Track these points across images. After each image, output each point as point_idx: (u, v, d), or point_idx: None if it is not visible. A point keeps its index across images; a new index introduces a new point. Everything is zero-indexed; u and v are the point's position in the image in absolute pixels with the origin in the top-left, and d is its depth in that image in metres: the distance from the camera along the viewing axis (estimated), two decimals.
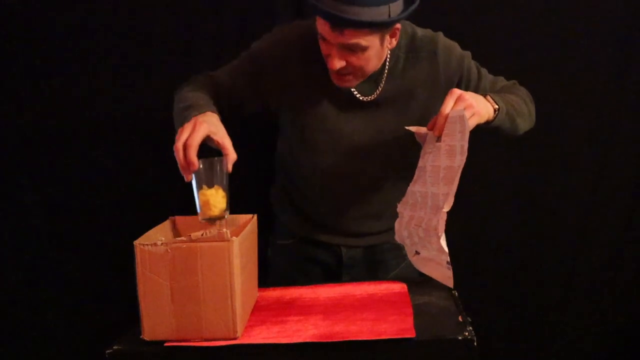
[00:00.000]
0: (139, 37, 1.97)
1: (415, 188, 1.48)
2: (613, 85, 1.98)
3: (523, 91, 1.66)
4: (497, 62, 1.75)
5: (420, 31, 1.58)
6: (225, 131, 1.35)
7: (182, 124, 1.35)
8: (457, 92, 1.40)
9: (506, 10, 1.93)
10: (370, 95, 1.56)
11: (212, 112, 1.39)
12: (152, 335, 1.21)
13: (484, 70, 1.64)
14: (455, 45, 1.60)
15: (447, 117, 1.38)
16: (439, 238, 1.38)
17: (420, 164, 1.48)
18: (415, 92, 1.56)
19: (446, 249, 1.39)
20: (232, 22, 1.95)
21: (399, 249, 1.70)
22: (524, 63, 1.92)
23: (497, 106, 1.46)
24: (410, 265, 1.56)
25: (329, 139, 1.58)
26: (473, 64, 1.62)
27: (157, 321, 1.20)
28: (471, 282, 1.55)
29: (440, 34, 1.60)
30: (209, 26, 1.96)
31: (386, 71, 1.55)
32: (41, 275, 2.10)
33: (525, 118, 1.60)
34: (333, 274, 1.70)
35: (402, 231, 1.52)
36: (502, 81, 1.67)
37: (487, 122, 1.45)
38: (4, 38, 1.97)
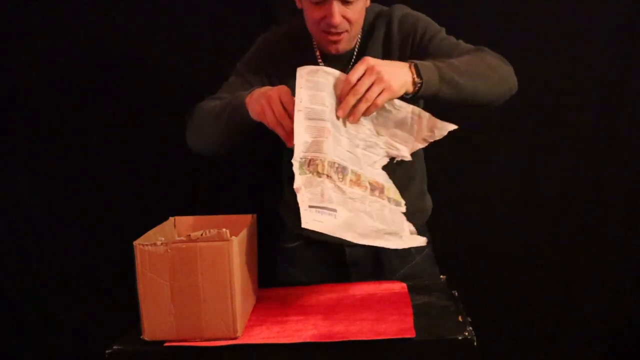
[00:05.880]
0: (140, 35, 1.97)
1: None
2: (614, 83, 1.98)
3: (488, 53, 1.50)
4: None
5: (378, 6, 1.61)
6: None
7: (233, 112, 1.43)
8: (369, 61, 1.31)
9: (505, 10, 1.94)
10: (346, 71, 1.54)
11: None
12: (152, 335, 1.21)
13: (444, 36, 1.54)
14: (416, 14, 1.58)
15: (350, 83, 1.30)
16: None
17: None
18: (375, 56, 1.50)
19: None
20: (232, 30, 1.96)
21: (405, 249, 1.68)
22: (524, 63, 1.91)
23: (419, 79, 1.33)
24: (416, 267, 1.56)
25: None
26: (433, 28, 1.55)
27: (157, 321, 1.20)
28: (471, 282, 1.55)
29: (406, 7, 1.60)
30: (207, 26, 1.97)
31: (356, 50, 1.58)
32: (41, 275, 2.10)
33: (488, 80, 1.44)
34: (341, 275, 1.68)
35: None
36: (465, 46, 1.53)
37: (414, 94, 1.34)
38: (6, 39, 1.97)
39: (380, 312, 1.30)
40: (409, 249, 1.61)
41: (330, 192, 1.25)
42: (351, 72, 1.30)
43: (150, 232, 1.28)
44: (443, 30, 1.57)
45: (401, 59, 1.50)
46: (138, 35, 1.97)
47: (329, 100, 1.31)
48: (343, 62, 1.57)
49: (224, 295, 1.18)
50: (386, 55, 1.55)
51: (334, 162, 1.28)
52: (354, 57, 1.58)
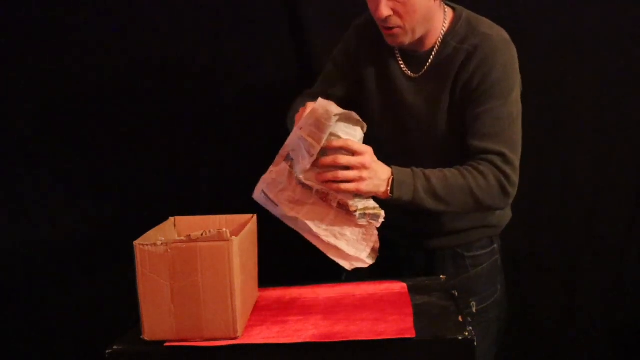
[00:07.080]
0: (141, 35, 1.97)
1: None
2: (614, 83, 1.98)
3: (488, 178, 1.48)
4: None
5: (484, 27, 1.54)
6: None
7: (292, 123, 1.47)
8: (367, 161, 1.36)
9: (505, 8, 1.94)
10: (418, 73, 1.58)
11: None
12: (152, 335, 1.21)
13: (493, 113, 1.49)
14: (495, 60, 1.49)
15: (336, 161, 1.34)
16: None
17: None
18: (448, 79, 1.54)
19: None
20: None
21: (462, 258, 1.66)
22: (524, 62, 1.92)
23: (391, 194, 1.40)
24: (470, 279, 1.59)
25: (386, 111, 1.61)
26: (494, 94, 1.49)
27: (157, 321, 1.20)
28: None
29: (502, 35, 1.53)
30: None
31: (434, 53, 1.56)
32: (41, 275, 2.10)
33: (461, 207, 1.48)
34: (392, 271, 1.62)
35: None
36: (483, 145, 1.50)
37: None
38: (6, 38, 1.97)
39: (380, 312, 1.30)
40: (465, 261, 1.62)
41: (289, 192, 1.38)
42: (346, 157, 1.34)
43: (150, 232, 1.28)
44: (509, 98, 1.51)
45: (461, 101, 1.51)
46: (139, 36, 1.97)
47: (324, 143, 1.33)
48: (419, 62, 1.57)
49: (224, 295, 1.18)
50: (452, 92, 1.53)
51: (301, 181, 1.36)
52: (431, 59, 1.56)
